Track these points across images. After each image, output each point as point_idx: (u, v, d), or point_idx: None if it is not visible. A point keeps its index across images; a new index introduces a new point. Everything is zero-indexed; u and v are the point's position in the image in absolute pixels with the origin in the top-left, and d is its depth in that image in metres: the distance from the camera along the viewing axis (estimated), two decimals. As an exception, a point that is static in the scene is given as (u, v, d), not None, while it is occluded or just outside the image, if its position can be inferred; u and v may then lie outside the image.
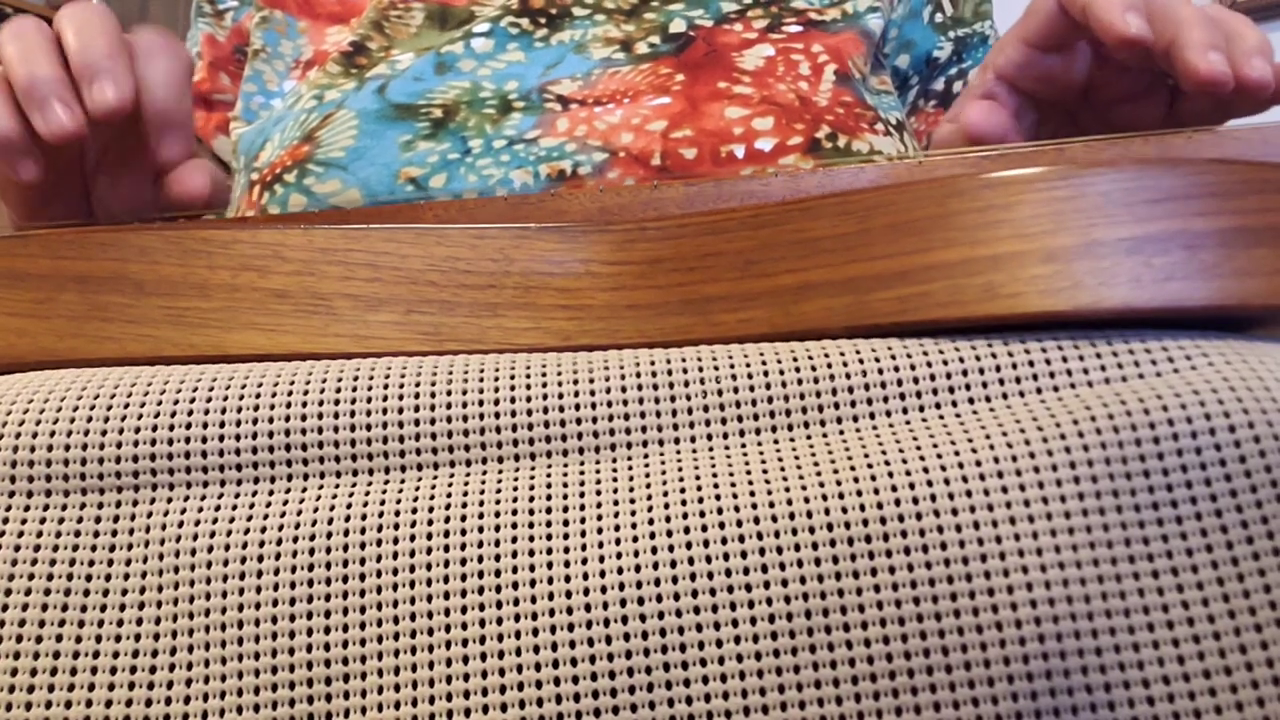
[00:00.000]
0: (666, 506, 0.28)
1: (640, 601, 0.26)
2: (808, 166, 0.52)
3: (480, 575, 0.27)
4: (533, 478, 0.29)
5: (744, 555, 0.27)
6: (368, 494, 0.29)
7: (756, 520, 0.27)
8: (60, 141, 0.43)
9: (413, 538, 0.28)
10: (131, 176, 0.50)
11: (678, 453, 0.30)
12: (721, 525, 0.27)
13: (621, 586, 0.27)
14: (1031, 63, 0.49)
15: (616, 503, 0.28)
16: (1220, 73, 0.40)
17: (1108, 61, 0.48)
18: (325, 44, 0.66)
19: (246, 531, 0.28)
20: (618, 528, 0.28)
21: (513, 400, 0.30)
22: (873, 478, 0.27)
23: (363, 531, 0.28)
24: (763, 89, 0.55)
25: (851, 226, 0.32)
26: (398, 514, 0.28)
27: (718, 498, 0.28)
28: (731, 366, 0.31)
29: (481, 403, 0.30)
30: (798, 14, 0.59)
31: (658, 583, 0.26)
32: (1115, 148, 0.38)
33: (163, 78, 0.46)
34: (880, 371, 0.30)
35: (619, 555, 0.27)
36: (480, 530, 0.28)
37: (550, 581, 0.27)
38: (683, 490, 0.28)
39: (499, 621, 0.27)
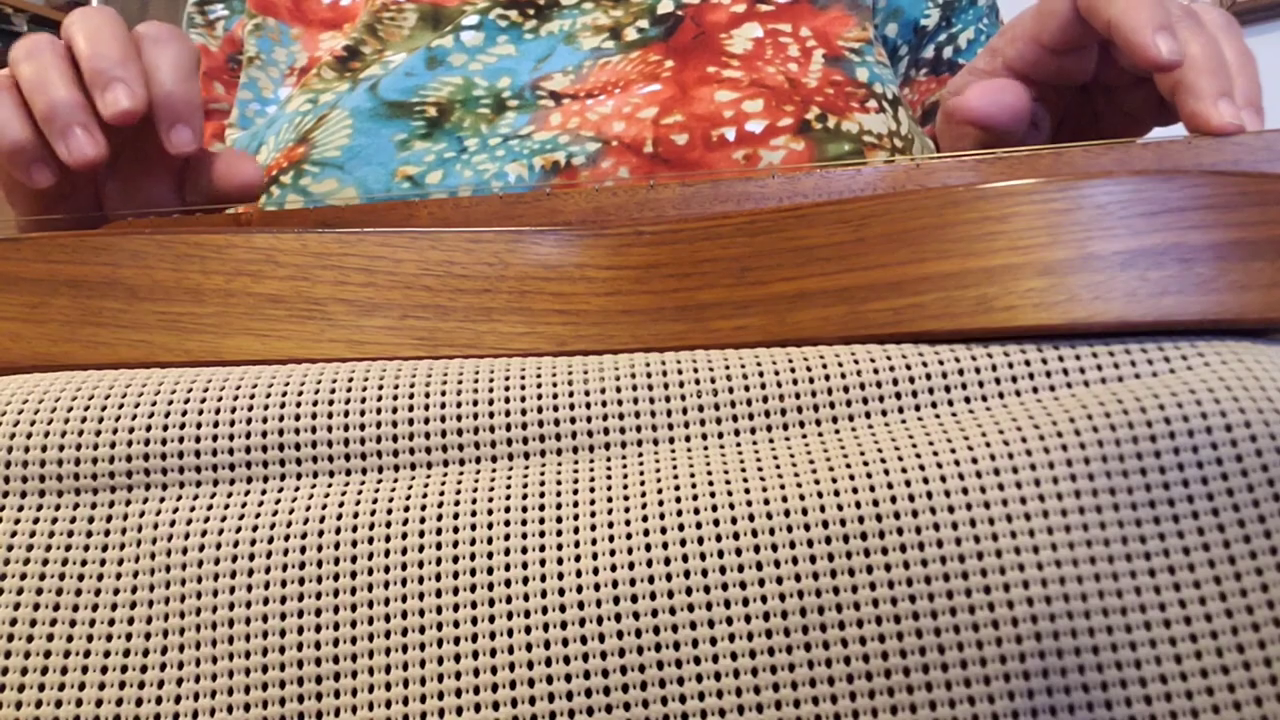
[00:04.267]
0: (659, 505, 0.28)
1: (633, 599, 0.26)
2: (799, 147, 0.52)
3: (471, 573, 0.27)
4: (525, 476, 0.29)
5: (736, 553, 0.27)
6: (360, 493, 0.29)
7: (750, 518, 0.27)
8: (84, 168, 0.44)
9: (404, 535, 0.28)
10: (148, 179, 0.50)
11: (672, 452, 0.30)
12: (714, 523, 0.27)
13: (615, 584, 0.27)
14: (1044, 62, 0.47)
15: (608, 500, 0.28)
16: (1231, 124, 0.38)
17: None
18: (319, 49, 0.66)
19: (238, 531, 0.28)
20: (609, 525, 0.28)
21: (506, 400, 0.30)
22: (867, 475, 0.27)
23: (354, 530, 0.28)
24: (752, 72, 0.55)
25: (847, 235, 0.32)
26: (389, 513, 0.28)
27: (711, 495, 0.28)
28: (725, 367, 0.31)
29: (475, 402, 0.30)
30: None
31: (649, 580, 0.26)
32: (1114, 153, 0.38)
33: (170, 65, 0.46)
34: (875, 372, 0.30)
35: (611, 553, 0.27)
36: (472, 529, 0.28)
37: (542, 579, 0.27)
38: (675, 489, 0.28)
39: (490, 620, 0.27)
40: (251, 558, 0.28)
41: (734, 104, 0.53)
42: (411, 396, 0.30)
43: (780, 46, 0.56)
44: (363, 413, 0.30)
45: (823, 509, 0.27)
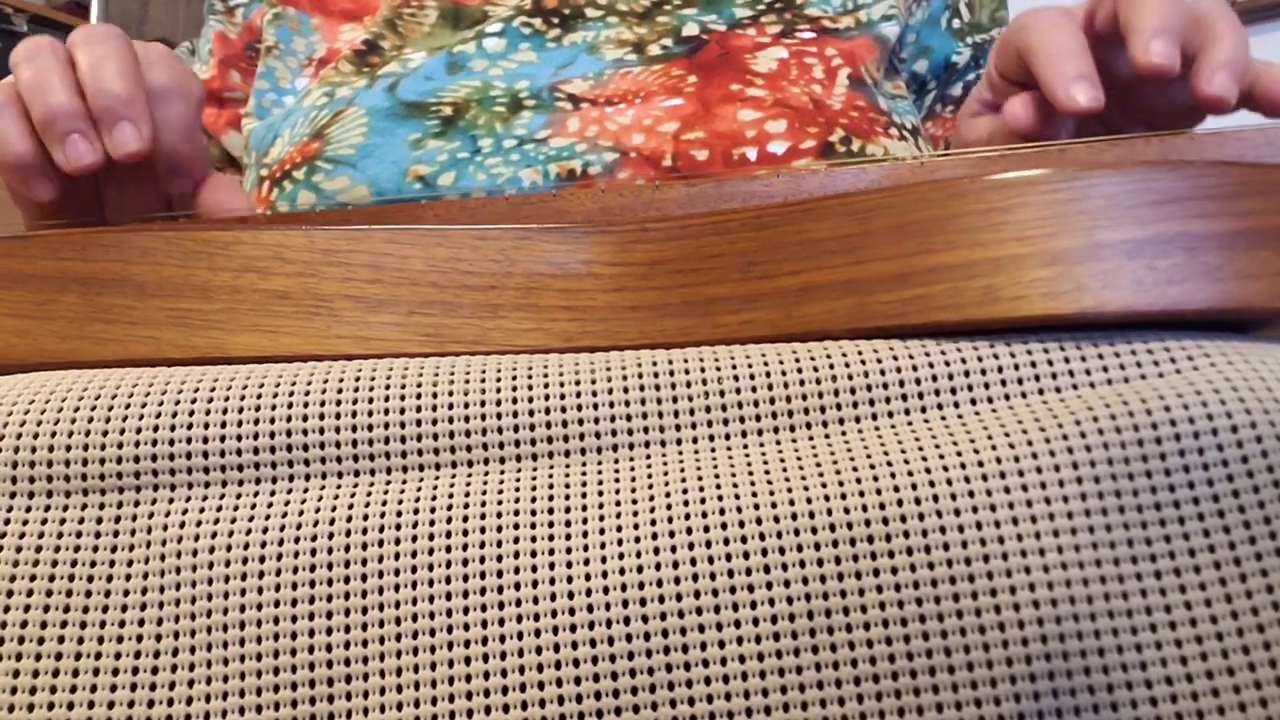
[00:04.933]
0: (670, 506, 0.28)
1: (646, 601, 0.26)
2: (821, 168, 0.52)
3: (484, 575, 0.27)
4: (535, 478, 0.29)
5: (749, 554, 0.27)
6: (370, 494, 0.29)
7: (760, 520, 0.27)
8: (81, 174, 0.44)
9: (415, 538, 0.28)
10: (142, 189, 0.50)
11: (680, 453, 0.30)
12: (725, 525, 0.27)
13: (625, 587, 0.27)
14: (1010, 86, 0.49)
15: (619, 503, 0.28)
16: (1161, 65, 0.40)
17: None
18: (338, 42, 0.66)
19: (249, 532, 0.28)
20: (621, 528, 0.28)
21: (515, 400, 0.30)
22: (876, 477, 0.27)
23: (365, 532, 0.28)
24: (776, 92, 0.54)
25: (853, 228, 0.31)
26: (400, 514, 0.28)
27: (721, 497, 0.28)
28: (734, 367, 0.31)
29: (484, 403, 0.30)
30: (811, 21, 0.59)
31: (663, 583, 0.26)
32: (1118, 148, 0.38)
33: (175, 121, 0.47)
34: (883, 372, 0.30)
35: (623, 555, 0.27)
36: (484, 530, 0.28)
37: (554, 582, 0.27)
38: (685, 490, 0.28)
39: (503, 622, 0.27)
40: (263, 559, 0.28)
41: (756, 124, 0.53)
42: (419, 397, 0.30)
43: (805, 68, 0.56)
44: (372, 414, 0.30)
45: (831, 512, 0.27)
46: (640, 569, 0.27)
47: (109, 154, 0.45)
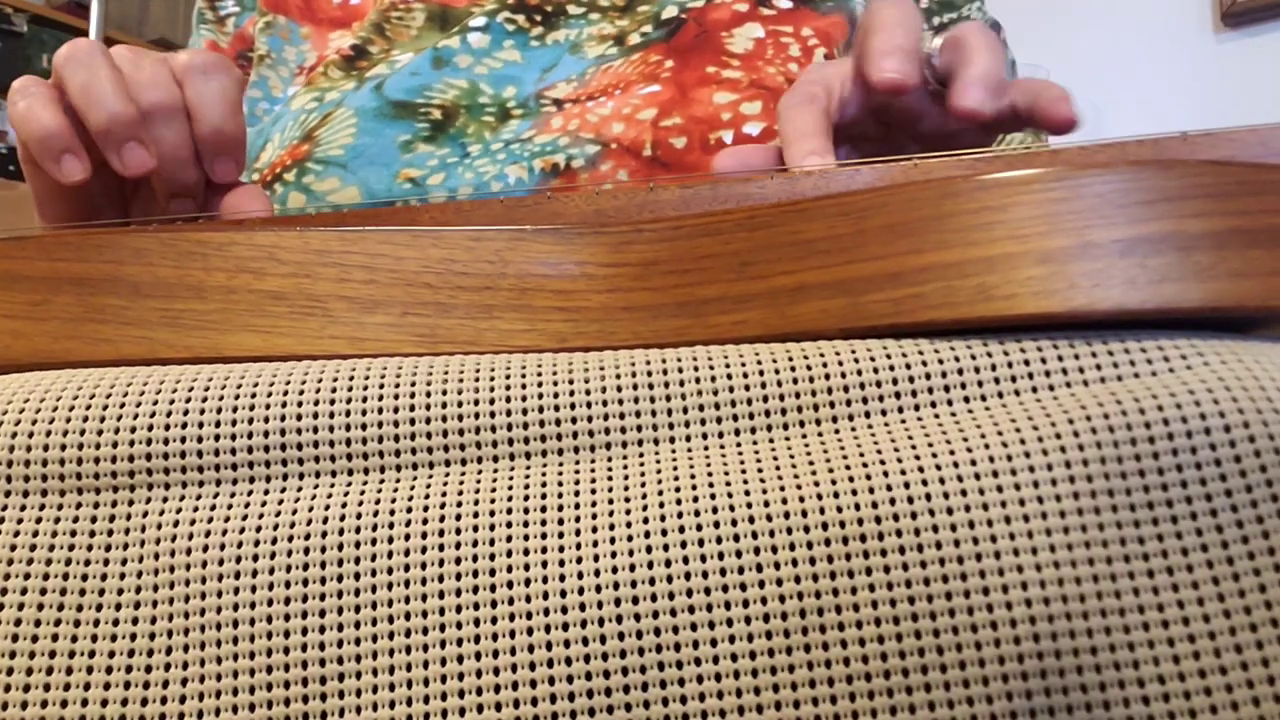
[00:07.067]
0: (662, 505, 0.28)
1: (634, 600, 0.26)
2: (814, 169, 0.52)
3: (474, 574, 0.27)
4: (528, 477, 0.29)
5: (737, 555, 0.27)
6: (363, 494, 0.29)
7: (751, 520, 0.27)
8: (138, 174, 0.46)
9: (408, 536, 0.28)
10: (172, 201, 0.50)
11: (673, 452, 0.30)
12: (716, 524, 0.27)
13: (617, 585, 0.27)
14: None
15: (611, 501, 0.28)
16: (892, 80, 0.41)
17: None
18: (327, 49, 0.66)
19: (242, 531, 0.28)
20: (612, 526, 0.28)
21: (507, 399, 0.30)
22: (867, 477, 0.27)
23: (358, 531, 0.28)
24: (752, 72, 0.55)
25: (846, 228, 0.31)
26: (393, 513, 0.28)
27: (713, 497, 0.28)
28: (726, 365, 0.31)
29: (477, 401, 0.30)
30: None
31: (652, 581, 0.26)
32: (1110, 149, 0.38)
33: (217, 98, 0.46)
34: (875, 370, 0.30)
35: (613, 554, 0.27)
36: (475, 529, 0.28)
37: (545, 580, 0.27)
38: (678, 490, 0.28)
39: (494, 620, 0.27)
40: (256, 558, 0.28)
41: (732, 106, 0.53)
42: (413, 396, 0.30)
43: (781, 46, 0.57)
44: (364, 412, 0.30)
45: (822, 511, 0.27)
46: (632, 567, 0.27)
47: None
